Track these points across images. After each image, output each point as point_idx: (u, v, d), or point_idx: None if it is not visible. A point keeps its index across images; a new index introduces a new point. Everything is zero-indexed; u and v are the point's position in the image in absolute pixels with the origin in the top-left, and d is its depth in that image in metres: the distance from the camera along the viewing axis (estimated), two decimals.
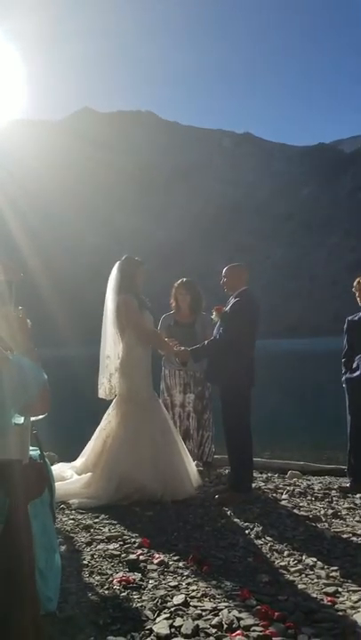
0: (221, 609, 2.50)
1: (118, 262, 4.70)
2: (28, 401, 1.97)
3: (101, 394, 4.67)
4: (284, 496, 4.53)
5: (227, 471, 5.01)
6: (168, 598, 2.62)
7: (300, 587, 2.81)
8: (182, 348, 4.64)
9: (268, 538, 3.53)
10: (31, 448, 2.49)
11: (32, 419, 2.18)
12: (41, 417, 2.15)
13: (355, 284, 4.96)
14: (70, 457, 4.93)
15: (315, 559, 3.18)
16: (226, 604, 2.57)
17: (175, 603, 2.56)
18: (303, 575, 2.96)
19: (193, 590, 2.73)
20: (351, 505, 4.37)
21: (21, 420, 2.04)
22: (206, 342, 4.60)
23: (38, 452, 2.60)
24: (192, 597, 2.64)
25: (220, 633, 2.30)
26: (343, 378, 5.00)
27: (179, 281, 5.52)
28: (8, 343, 2.07)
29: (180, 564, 3.06)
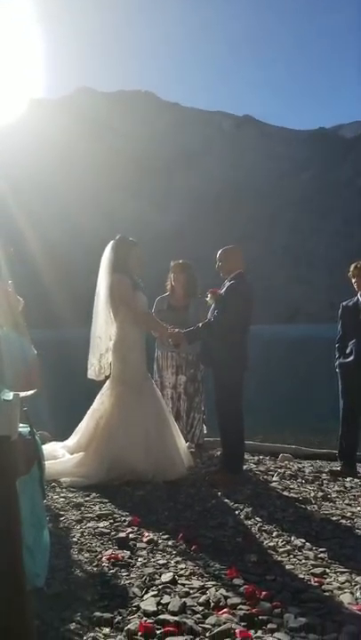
0: (209, 587, 2.53)
1: (112, 242, 4.64)
2: (17, 376, 1.95)
3: (91, 374, 4.64)
4: (274, 478, 4.55)
5: (218, 453, 5.02)
6: (156, 576, 2.64)
7: (287, 567, 2.83)
8: (176, 329, 4.62)
9: (258, 518, 3.55)
10: (21, 425, 2.48)
11: (22, 394, 2.16)
12: (30, 393, 2.12)
13: (351, 269, 4.94)
14: (63, 437, 4.93)
15: (303, 540, 3.20)
16: (213, 582, 2.59)
17: (163, 580, 2.58)
18: (291, 556, 2.98)
19: (181, 569, 2.74)
20: (341, 488, 4.40)
21: (10, 395, 2.02)
22: (201, 324, 4.58)
23: (28, 429, 2.58)
24: (180, 575, 2.66)
25: (206, 611, 2.32)
26: (337, 362, 5.02)
27: (174, 262, 5.47)
28: None
29: (170, 543, 3.08)
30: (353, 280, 4.92)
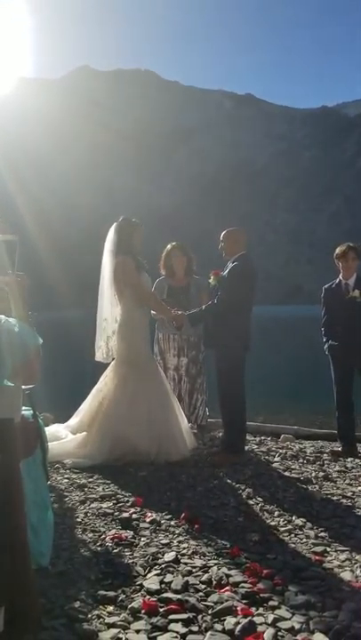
0: (211, 566, 2.56)
1: (115, 223, 4.63)
2: (15, 369, 1.95)
3: (99, 356, 4.68)
4: (276, 458, 4.59)
5: (220, 434, 5.05)
6: (159, 555, 2.67)
7: (289, 546, 2.87)
8: (179, 312, 4.61)
9: (259, 498, 3.59)
10: (24, 408, 2.50)
11: (23, 387, 2.17)
12: (31, 386, 2.13)
13: (336, 251, 4.92)
14: (66, 419, 4.96)
15: (304, 520, 3.23)
16: (216, 561, 2.62)
17: (166, 560, 2.62)
18: (292, 535, 3.02)
19: (184, 548, 2.78)
20: (342, 468, 4.43)
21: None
22: (204, 307, 4.57)
23: (31, 411, 2.61)
24: (183, 555, 2.70)
25: (208, 589, 2.35)
26: (326, 345, 5.00)
27: (171, 244, 5.44)
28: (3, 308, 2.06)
29: (172, 523, 3.12)
30: (337, 262, 4.91)
